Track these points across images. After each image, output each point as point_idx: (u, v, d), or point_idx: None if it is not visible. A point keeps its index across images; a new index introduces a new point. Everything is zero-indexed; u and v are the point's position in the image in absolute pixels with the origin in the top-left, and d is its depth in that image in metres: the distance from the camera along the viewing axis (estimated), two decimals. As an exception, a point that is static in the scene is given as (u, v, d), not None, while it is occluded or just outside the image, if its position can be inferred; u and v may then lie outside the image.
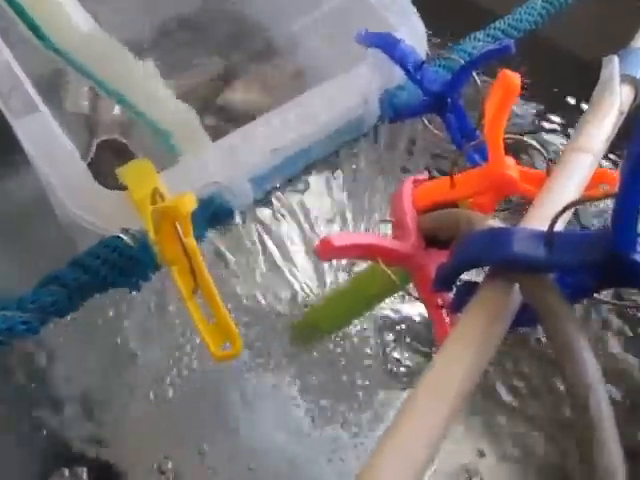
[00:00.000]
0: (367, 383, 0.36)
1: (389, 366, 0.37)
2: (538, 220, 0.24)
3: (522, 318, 0.21)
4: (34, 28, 0.34)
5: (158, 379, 0.35)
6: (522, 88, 0.25)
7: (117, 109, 0.37)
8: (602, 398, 0.17)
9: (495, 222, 0.23)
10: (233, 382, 0.34)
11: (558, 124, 0.52)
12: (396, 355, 0.37)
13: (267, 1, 0.43)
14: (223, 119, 0.37)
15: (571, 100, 0.54)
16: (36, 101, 0.28)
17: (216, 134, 0.31)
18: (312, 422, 0.34)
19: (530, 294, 0.20)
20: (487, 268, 0.22)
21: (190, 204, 0.22)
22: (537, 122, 0.52)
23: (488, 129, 0.25)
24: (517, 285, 0.21)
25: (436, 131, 0.37)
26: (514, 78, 0.23)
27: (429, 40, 0.39)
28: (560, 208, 0.24)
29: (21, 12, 0.35)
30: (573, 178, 0.26)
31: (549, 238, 0.19)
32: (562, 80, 0.53)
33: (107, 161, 0.32)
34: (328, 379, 0.34)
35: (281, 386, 0.35)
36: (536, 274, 0.20)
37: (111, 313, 0.34)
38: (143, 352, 0.35)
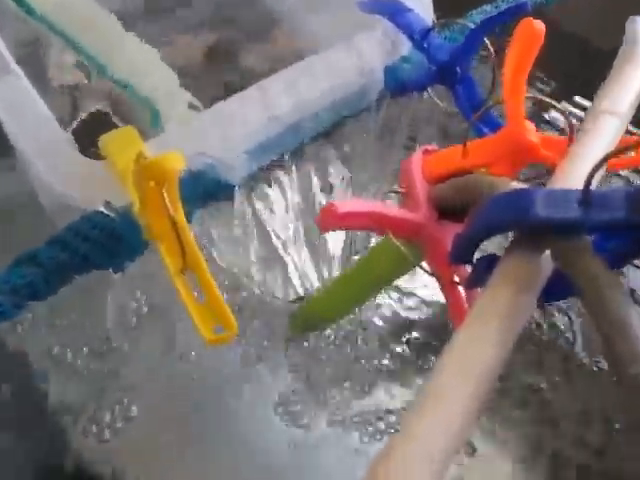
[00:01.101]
0: (369, 373, 0.33)
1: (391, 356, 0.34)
2: (564, 183, 0.21)
3: (552, 290, 0.19)
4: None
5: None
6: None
7: (102, 81, 0.35)
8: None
9: (521, 185, 0.20)
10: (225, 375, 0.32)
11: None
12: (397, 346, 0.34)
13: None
14: (219, 94, 0.34)
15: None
16: (9, 63, 0.26)
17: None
18: (313, 416, 0.31)
19: (566, 260, 0.17)
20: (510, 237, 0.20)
21: (177, 161, 0.19)
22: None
23: (508, 86, 0.23)
24: (547, 252, 0.19)
25: (442, 104, 0.35)
26: (538, 25, 0.21)
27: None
28: (589, 170, 0.22)
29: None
30: (600, 141, 0.23)
31: (586, 195, 0.17)
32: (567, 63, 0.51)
33: (93, 137, 0.29)
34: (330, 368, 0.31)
35: (278, 378, 0.32)
36: (570, 238, 0.17)
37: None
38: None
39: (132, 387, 0.31)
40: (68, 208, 0.26)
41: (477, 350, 0.17)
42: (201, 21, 0.39)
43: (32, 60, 0.35)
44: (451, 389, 0.16)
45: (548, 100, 0.24)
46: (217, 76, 0.38)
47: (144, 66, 0.32)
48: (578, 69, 0.49)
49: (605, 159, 0.17)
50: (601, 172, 0.21)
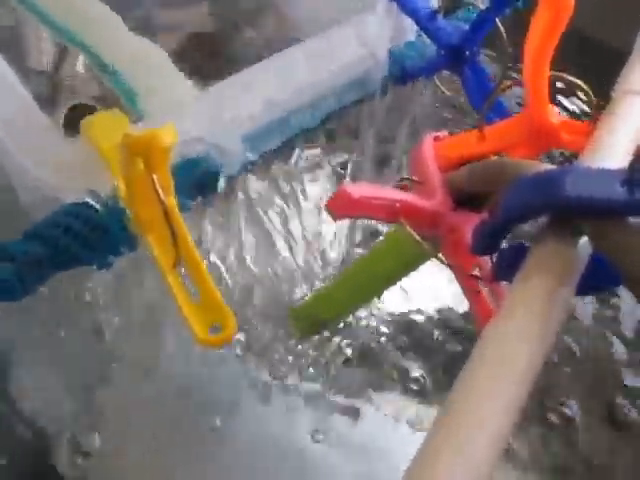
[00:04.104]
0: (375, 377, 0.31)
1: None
2: (595, 166, 0.19)
3: (591, 279, 0.17)
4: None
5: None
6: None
7: (81, 67, 0.32)
8: None
9: (551, 165, 0.18)
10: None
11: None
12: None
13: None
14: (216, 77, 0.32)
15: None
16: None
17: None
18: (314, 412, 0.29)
19: (614, 246, 0.15)
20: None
21: (169, 136, 0.17)
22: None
23: (529, 64, 0.21)
24: (584, 238, 0.17)
25: (448, 92, 0.34)
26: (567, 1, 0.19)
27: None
28: (618, 152, 0.20)
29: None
30: (631, 122, 0.22)
31: (631, 175, 0.15)
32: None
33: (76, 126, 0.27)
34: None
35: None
36: (616, 220, 0.16)
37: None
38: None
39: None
40: (45, 197, 0.23)
41: (514, 347, 0.15)
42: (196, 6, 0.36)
43: (10, 45, 0.33)
44: (490, 389, 0.14)
45: (573, 79, 0.22)
46: (211, 59, 0.36)
47: (136, 51, 0.30)
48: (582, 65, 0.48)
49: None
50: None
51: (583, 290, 0.17)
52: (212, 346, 0.21)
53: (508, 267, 0.18)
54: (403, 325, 0.33)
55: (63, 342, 0.30)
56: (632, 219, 0.15)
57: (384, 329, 0.32)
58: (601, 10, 0.49)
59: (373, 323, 0.32)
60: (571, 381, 0.32)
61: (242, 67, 0.27)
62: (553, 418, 0.31)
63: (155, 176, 0.19)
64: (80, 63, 0.32)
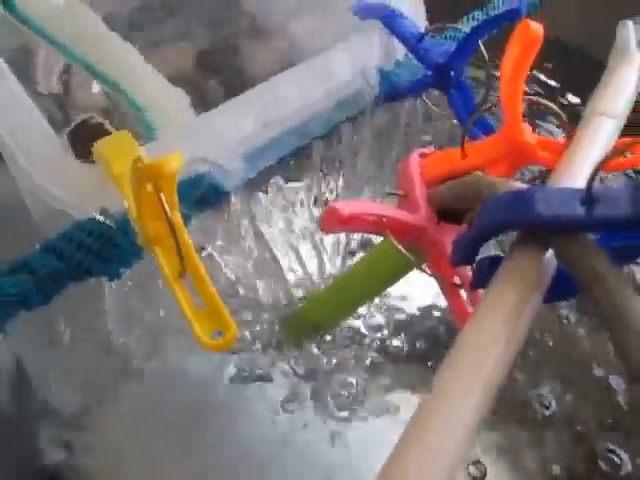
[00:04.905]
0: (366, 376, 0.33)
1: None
2: (563, 184, 0.21)
3: (557, 289, 0.19)
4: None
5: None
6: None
7: (94, 89, 0.34)
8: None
9: (521, 184, 0.20)
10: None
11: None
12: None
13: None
14: (213, 100, 0.34)
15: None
16: (4, 68, 0.25)
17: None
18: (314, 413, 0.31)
19: (571, 258, 0.17)
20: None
21: (176, 162, 0.19)
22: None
23: (505, 88, 0.23)
24: (551, 251, 0.19)
25: (436, 109, 0.35)
26: (536, 27, 0.21)
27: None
28: (585, 171, 0.22)
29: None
30: (597, 142, 0.23)
31: (589, 194, 0.17)
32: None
33: (86, 144, 0.29)
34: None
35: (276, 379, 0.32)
36: (572, 236, 0.17)
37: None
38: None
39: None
40: (58, 213, 0.25)
41: (484, 351, 0.16)
42: (188, 31, 0.38)
43: (19, 67, 0.35)
44: (459, 390, 0.16)
45: (545, 103, 0.24)
46: (209, 82, 0.38)
47: (138, 71, 0.32)
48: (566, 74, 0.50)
49: (606, 160, 0.17)
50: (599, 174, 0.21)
51: (551, 298, 0.19)
52: (214, 350, 0.22)
53: (484, 277, 0.20)
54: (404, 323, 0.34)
55: (73, 349, 0.32)
56: (589, 235, 0.17)
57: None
58: (585, 20, 0.51)
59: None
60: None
61: (240, 88, 0.29)
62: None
63: (163, 195, 0.21)
64: (86, 81, 0.34)
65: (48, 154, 0.24)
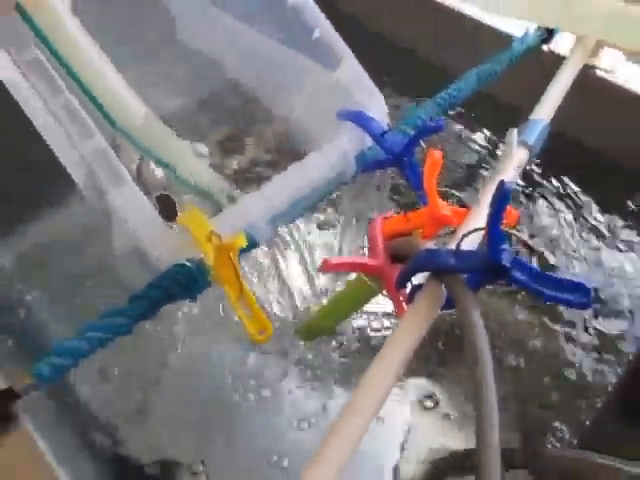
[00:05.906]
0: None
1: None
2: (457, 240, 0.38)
3: (447, 304, 0.35)
4: (106, 116, 0.47)
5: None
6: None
7: (160, 173, 0.51)
8: (486, 361, 0.29)
9: (431, 244, 0.37)
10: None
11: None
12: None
13: (267, 85, 0.57)
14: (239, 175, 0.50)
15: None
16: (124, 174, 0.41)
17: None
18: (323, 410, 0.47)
19: (449, 288, 0.33)
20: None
21: (242, 242, 0.35)
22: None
23: (426, 185, 0.40)
24: (443, 284, 0.35)
25: (400, 179, 0.52)
26: (437, 155, 0.38)
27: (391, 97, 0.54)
28: (475, 233, 0.38)
29: (93, 99, 0.48)
30: (483, 214, 0.40)
31: (456, 254, 0.33)
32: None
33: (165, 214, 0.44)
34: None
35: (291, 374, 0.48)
36: (452, 275, 0.34)
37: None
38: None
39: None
40: (140, 258, 0.41)
41: (401, 339, 0.33)
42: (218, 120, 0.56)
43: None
44: (374, 381, 0.32)
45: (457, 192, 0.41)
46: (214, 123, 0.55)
47: (188, 157, 0.49)
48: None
49: (464, 235, 0.34)
50: (475, 237, 0.37)
51: (444, 308, 0.35)
52: (260, 342, 0.38)
53: (413, 294, 0.36)
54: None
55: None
56: (461, 276, 0.33)
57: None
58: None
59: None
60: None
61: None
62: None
63: (232, 255, 0.37)
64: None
65: (149, 222, 0.40)
